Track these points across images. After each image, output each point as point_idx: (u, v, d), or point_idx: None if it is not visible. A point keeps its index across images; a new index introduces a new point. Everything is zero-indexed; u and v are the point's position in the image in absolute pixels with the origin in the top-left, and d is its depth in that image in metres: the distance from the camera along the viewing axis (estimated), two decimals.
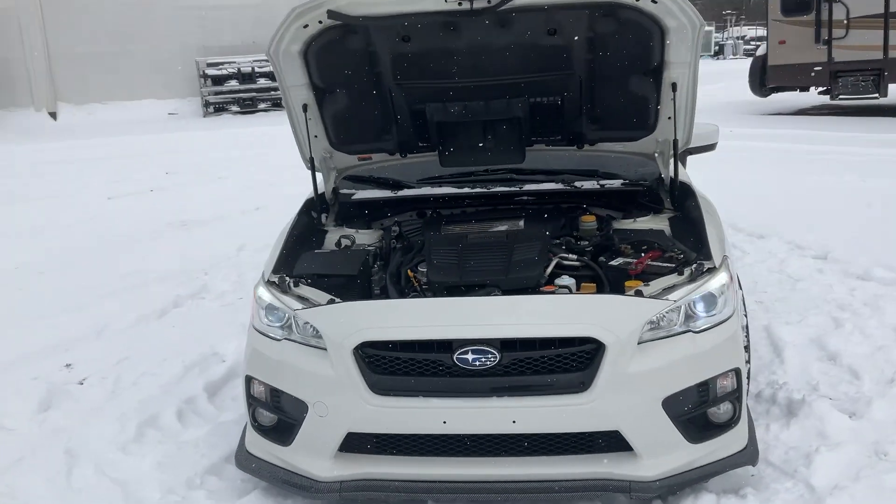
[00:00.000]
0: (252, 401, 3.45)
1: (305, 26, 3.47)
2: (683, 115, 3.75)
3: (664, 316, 3.16)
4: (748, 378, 3.74)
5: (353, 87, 3.77)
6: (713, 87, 22.49)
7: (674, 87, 3.60)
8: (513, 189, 4.07)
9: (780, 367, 4.41)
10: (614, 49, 3.52)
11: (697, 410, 3.20)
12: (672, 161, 4.23)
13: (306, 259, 3.73)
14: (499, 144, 3.93)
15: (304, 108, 3.82)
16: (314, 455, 3.26)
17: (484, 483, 3.12)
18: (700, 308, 3.24)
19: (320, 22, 3.44)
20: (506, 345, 3.06)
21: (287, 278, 3.52)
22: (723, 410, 3.29)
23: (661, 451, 3.13)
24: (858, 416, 3.86)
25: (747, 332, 3.75)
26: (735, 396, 3.27)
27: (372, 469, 3.21)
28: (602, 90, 3.72)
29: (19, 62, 22.09)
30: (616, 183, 4.00)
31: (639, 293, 3.21)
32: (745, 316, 3.81)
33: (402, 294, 3.54)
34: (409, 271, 3.61)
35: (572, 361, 3.08)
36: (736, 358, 3.24)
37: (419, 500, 3.24)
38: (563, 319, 3.09)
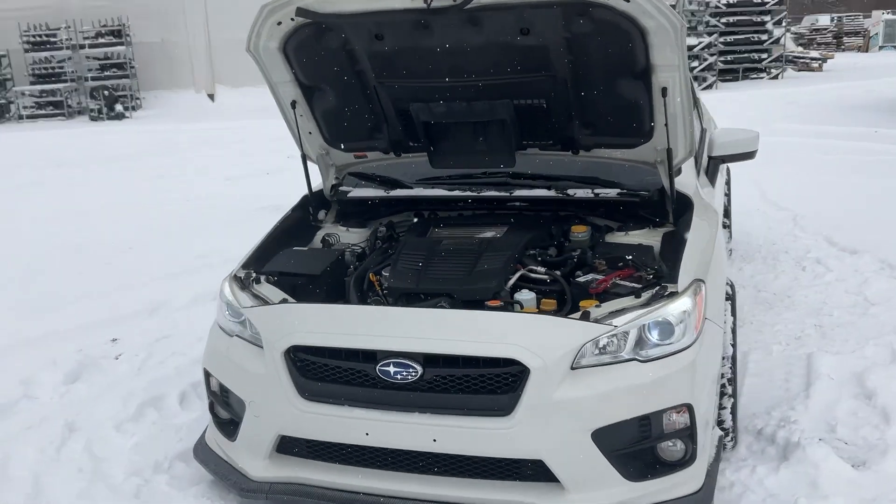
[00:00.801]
0: (210, 394, 3.52)
1: (279, 23, 3.46)
2: (680, 122, 3.45)
3: (611, 341, 2.93)
4: (733, 414, 3.43)
5: (339, 84, 3.73)
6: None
7: (664, 91, 3.32)
8: (503, 194, 3.90)
9: (802, 403, 4.00)
10: (595, 50, 3.29)
11: (638, 446, 2.96)
12: (694, 170, 3.94)
13: (281, 256, 3.75)
14: (488, 147, 3.78)
15: (293, 104, 3.82)
16: (252, 453, 3.27)
17: (405, 500, 3.02)
18: (653, 335, 2.99)
19: (292, 19, 3.42)
20: (429, 360, 2.95)
21: (253, 274, 3.54)
22: (673, 448, 3.02)
23: (592, 487, 2.92)
24: (866, 466, 3.45)
25: (733, 364, 3.42)
26: (688, 434, 2.99)
27: (302, 473, 3.19)
28: (589, 93, 3.48)
29: (183, 46, 23.52)
30: (612, 192, 3.75)
31: (585, 315, 2.99)
32: (734, 345, 3.47)
33: (363, 299, 3.48)
34: (371, 275, 3.55)
35: (495, 383, 2.92)
36: (689, 392, 2.96)
37: None
38: (488, 338, 2.93)
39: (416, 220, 4.10)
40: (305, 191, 4.16)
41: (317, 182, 4.22)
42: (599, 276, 3.33)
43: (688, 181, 3.84)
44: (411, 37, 3.37)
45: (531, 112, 3.61)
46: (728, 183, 6.43)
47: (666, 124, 3.46)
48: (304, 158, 3.99)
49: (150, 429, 4.12)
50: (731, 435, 3.49)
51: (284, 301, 3.34)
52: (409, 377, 2.94)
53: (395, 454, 3.05)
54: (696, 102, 4.41)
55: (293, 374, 3.11)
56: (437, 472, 3.03)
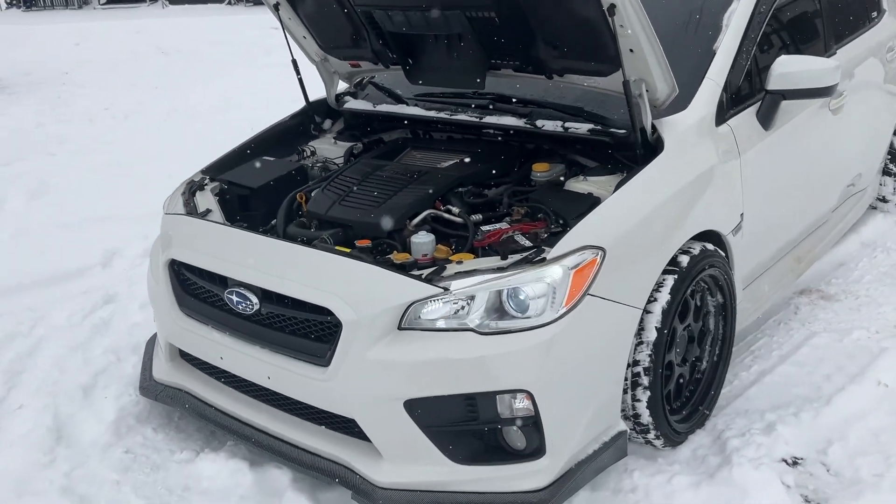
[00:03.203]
0: None
1: None
2: (647, 48, 2.81)
3: (457, 305, 2.56)
4: (653, 409, 2.88)
5: None
6: None
7: (610, 10, 2.70)
8: (473, 120, 3.47)
9: (813, 410, 3.24)
10: None
11: (464, 426, 2.59)
12: (709, 110, 3.24)
13: (248, 164, 3.69)
14: (460, 65, 3.37)
15: (276, 6, 3.66)
16: (159, 355, 3.37)
17: (256, 430, 2.95)
18: (511, 305, 2.55)
19: None
20: (266, 294, 2.78)
21: (206, 180, 3.55)
22: (515, 436, 2.61)
23: (409, 460, 2.63)
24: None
25: (655, 351, 2.81)
26: (531, 423, 2.56)
27: (187, 383, 3.22)
28: (539, 7, 2.95)
29: None
30: (582, 128, 3.17)
31: (437, 270, 2.62)
32: (667, 331, 2.85)
33: (289, 219, 3.34)
34: (300, 196, 3.38)
35: (317, 330, 2.70)
36: (533, 376, 2.51)
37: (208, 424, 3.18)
38: (311, 282, 2.68)
39: (385, 140, 3.82)
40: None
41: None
42: (496, 227, 2.89)
43: (687, 121, 3.14)
44: None
45: (489, 27, 3.14)
46: None
47: (632, 50, 2.83)
48: (295, 64, 3.84)
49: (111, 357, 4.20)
50: (655, 432, 2.93)
51: (205, 212, 3.31)
52: (248, 309, 2.81)
53: (248, 382, 2.96)
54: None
55: (174, 286, 3.12)
56: (279, 407, 2.91)
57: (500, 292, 2.56)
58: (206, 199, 3.43)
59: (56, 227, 5.76)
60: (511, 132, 3.41)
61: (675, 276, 2.87)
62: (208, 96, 10.34)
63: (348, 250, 2.83)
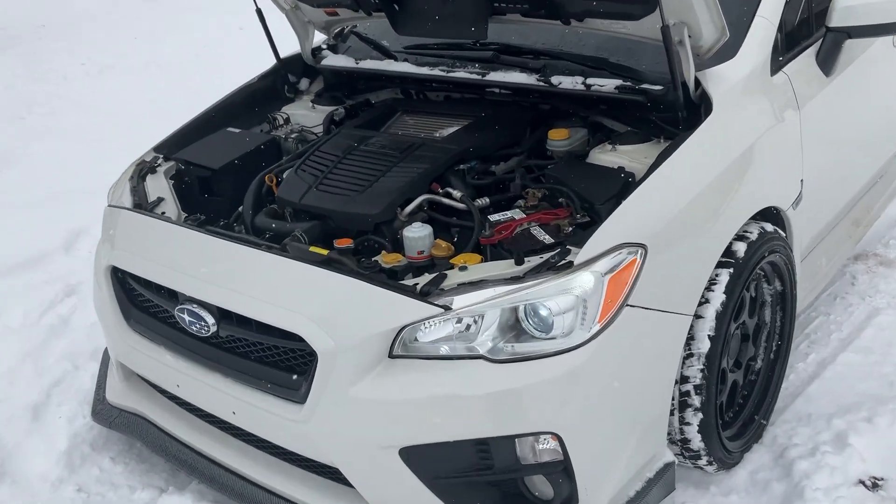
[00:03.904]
0: None
1: None
2: None
3: (460, 326, 2.02)
4: (705, 433, 2.36)
5: None
6: None
7: None
8: (474, 77, 2.87)
9: (892, 413, 2.72)
10: None
11: (477, 476, 2.08)
12: (762, 56, 2.65)
13: (211, 138, 3.12)
14: (454, 9, 2.76)
15: None
16: (113, 374, 2.85)
17: (221, 467, 2.45)
18: (531, 323, 2.02)
19: None
20: (224, 313, 2.25)
21: (159, 161, 2.99)
22: (537, 483, 2.10)
23: None
24: None
25: (707, 364, 2.27)
26: (561, 469, 2.04)
27: (145, 408, 2.70)
28: None
29: None
30: (608, 85, 2.58)
31: (436, 280, 2.07)
32: (724, 336, 2.31)
33: (258, 206, 2.78)
34: (268, 178, 2.82)
35: (288, 359, 2.17)
36: (560, 415, 1.99)
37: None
38: (277, 299, 2.14)
39: (374, 103, 3.24)
40: None
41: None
42: (511, 217, 2.33)
43: (737, 72, 2.55)
44: None
45: None
46: None
47: None
48: (260, 13, 3.22)
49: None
50: (707, 458, 2.42)
51: (156, 202, 2.75)
52: (203, 331, 2.28)
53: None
54: None
55: (119, 297, 2.59)
56: (252, 443, 2.40)
57: (515, 308, 2.02)
58: (158, 185, 2.87)
59: (19, 206, 5.20)
60: (521, 91, 2.82)
61: (731, 270, 2.32)
62: (190, 44, 9.64)
63: (325, 252, 2.28)
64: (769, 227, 2.51)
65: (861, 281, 3.63)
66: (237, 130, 3.16)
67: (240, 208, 2.81)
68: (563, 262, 2.02)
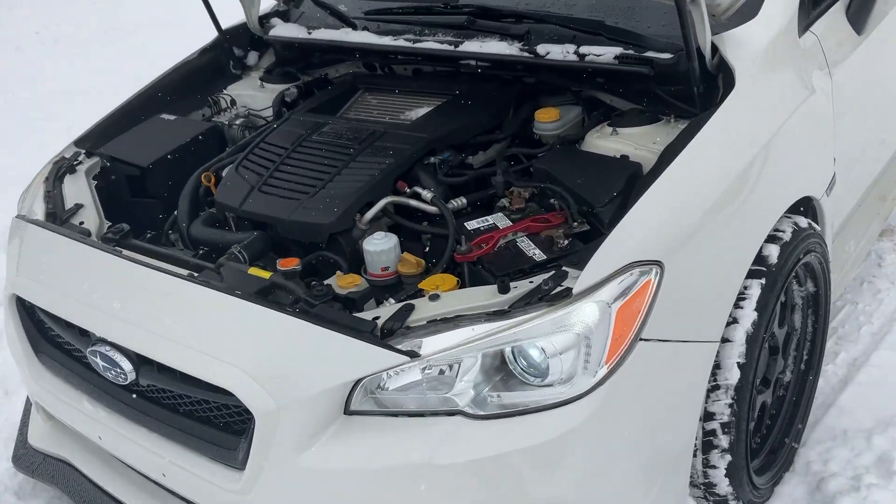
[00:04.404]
0: None
1: None
2: None
3: (427, 373, 1.61)
4: (733, 477, 1.97)
5: None
6: None
7: None
8: (445, 49, 2.42)
9: None
10: None
11: None
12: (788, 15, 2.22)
13: (136, 130, 2.67)
14: None
15: None
16: (35, 413, 2.43)
17: None
18: (519, 364, 1.61)
19: None
20: (144, 360, 1.83)
21: (80, 158, 2.55)
22: None
23: None
24: None
25: (737, 398, 1.87)
26: None
27: (70, 453, 2.28)
28: None
29: None
30: (606, 54, 2.13)
31: (400, 314, 1.65)
32: (733, 404, 1.89)
33: (194, 211, 2.35)
34: (204, 176, 2.38)
35: (223, 416, 1.76)
36: (566, 485, 1.59)
37: None
38: (206, 344, 1.72)
39: (332, 79, 2.80)
40: None
41: None
42: (499, 223, 1.91)
43: (761, 36, 2.11)
44: None
45: None
46: None
47: None
48: None
49: None
50: (735, 502, 2.03)
51: (73, 210, 2.31)
52: (120, 378, 1.86)
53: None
54: None
55: (28, 331, 2.16)
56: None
57: (501, 349, 1.61)
58: (77, 188, 2.42)
59: None
60: (501, 64, 2.37)
61: (763, 281, 1.91)
62: (153, 6, 9.06)
63: (268, 275, 1.86)
64: (803, 221, 2.09)
65: (889, 261, 3.23)
66: (172, 117, 2.70)
67: (175, 212, 2.38)
68: (559, 288, 1.61)
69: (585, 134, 2.18)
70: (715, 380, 1.86)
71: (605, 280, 1.60)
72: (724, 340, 1.85)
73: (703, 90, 1.98)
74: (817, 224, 2.21)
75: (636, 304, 1.63)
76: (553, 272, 1.65)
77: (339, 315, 1.68)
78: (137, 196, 2.49)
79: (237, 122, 2.71)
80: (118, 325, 1.83)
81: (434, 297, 1.69)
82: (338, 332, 1.61)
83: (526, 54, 2.25)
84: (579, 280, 1.59)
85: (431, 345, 1.59)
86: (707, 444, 1.90)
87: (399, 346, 1.58)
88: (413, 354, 1.57)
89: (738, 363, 1.86)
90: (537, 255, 1.77)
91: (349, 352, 1.60)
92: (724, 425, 1.88)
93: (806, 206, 2.20)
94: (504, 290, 1.63)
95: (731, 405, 1.87)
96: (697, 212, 1.77)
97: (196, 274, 1.91)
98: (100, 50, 7.75)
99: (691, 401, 1.80)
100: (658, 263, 1.66)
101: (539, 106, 2.30)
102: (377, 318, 1.67)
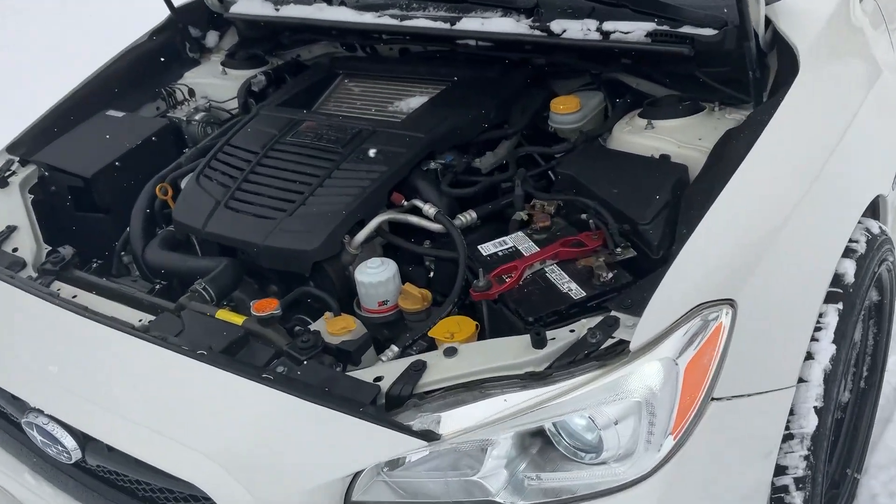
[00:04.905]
0: None
1: None
2: None
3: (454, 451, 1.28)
4: None
5: None
6: None
7: None
8: (438, 27, 2.05)
9: None
10: None
11: None
12: None
13: (77, 132, 2.28)
14: None
15: None
16: None
17: None
18: (563, 440, 1.28)
19: None
20: (91, 439, 1.48)
21: (14, 167, 2.16)
22: None
23: None
24: None
25: (814, 447, 1.56)
26: None
27: None
28: None
29: None
30: (636, 31, 1.78)
31: (409, 375, 1.31)
32: (809, 456, 1.58)
33: (149, 230, 1.98)
34: (158, 189, 2.01)
35: None
36: None
37: None
38: (165, 424, 1.37)
39: (305, 62, 2.42)
40: None
41: None
42: (520, 245, 1.56)
43: (818, 6, 1.77)
44: None
45: None
46: None
47: None
48: None
49: None
50: None
51: (4, 234, 1.94)
52: (64, 456, 1.51)
53: None
54: None
55: None
56: None
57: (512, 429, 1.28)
58: (10, 205, 2.05)
59: None
60: (506, 45, 2.01)
61: (840, 305, 1.58)
62: None
63: (240, 320, 1.51)
64: (874, 226, 1.77)
65: None
66: (120, 115, 2.32)
67: (127, 230, 2.01)
68: (611, 341, 1.27)
69: (613, 127, 1.83)
70: (788, 428, 1.54)
71: (669, 330, 1.27)
72: (799, 381, 1.53)
73: (758, 75, 1.64)
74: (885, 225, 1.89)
75: (706, 357, 1.30)
76: (600, 317, 1.31)
77: (333, 377, 1.34)
78: (83, 211, 2.12)
79: (197, 117, 2.33)
80: (56, 395, 1.47)
81: (451, 352, 1.34)
82: (333, 409, 1.26)
83: (538, 32, 1.88)
84: (637, 331, 1.25)
85: (453, 422, 1.25)
86: (777, 500, 1.59)
87: (412, 425, 1.24)
88: (430, 436, 1.23)
89: (814, 407, 1.54)
90: (574, 290, 1.43)
91: (349, 436, 1.25)
92: (797, 480, 1.57)
93: (873, 207, 1.88)
94: (540, 343, 1.29)
95: (806, 457, 1.55)
96: (770, 230, 1.43)
97: (152, 319, 1.56)
98: (58, 20, 7.22)
99: (765, 460, 1.49)
100: (730, 302, 1.33)
101: (552, 94, 1.95)
102: (379, 379, 1.33)
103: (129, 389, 1.42)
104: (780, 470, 1.57)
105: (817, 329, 1.56)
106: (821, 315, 1.57)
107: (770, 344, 1.43)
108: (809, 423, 1.55)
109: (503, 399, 1.24)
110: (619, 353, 1.25)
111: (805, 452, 1.55)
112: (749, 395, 1.38)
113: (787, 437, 1.55)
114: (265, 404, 1.31)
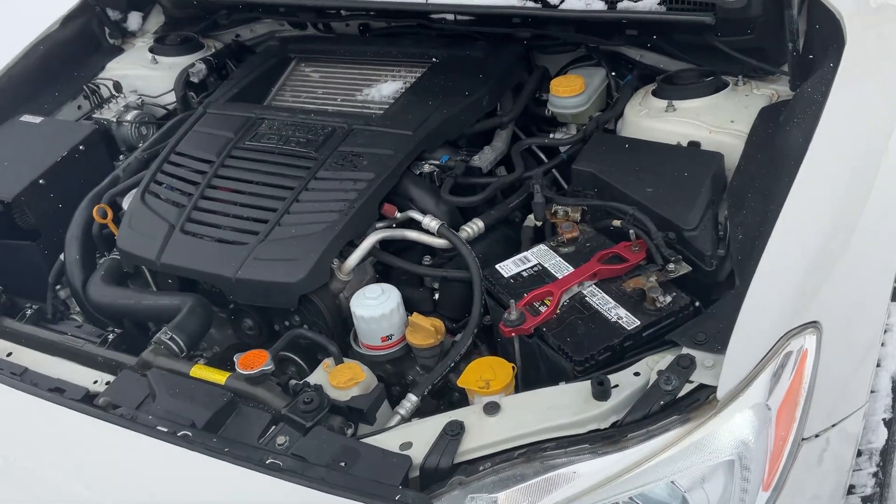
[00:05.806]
0: None
1: None
2: None
3: None
4: None
5: None
6: None
7: None
8: (413, 1, 1.78)
9: None
10: None
11: None
12: None
13: None
14: None
15: None
16: None
17: None
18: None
19: None
20: None
21: None
22: None
23: None
24: None
25: (875, 496, 1.42)
26: None
27: None
28: None
29: None
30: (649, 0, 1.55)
31: (444, 449, 1.08)
32: (878, 472, 1.42)
33: (87, 259, 1.68)
34: (95, 211, 1.70)
35: None
36: None
37: None
38: None
39: (247, 44, 2.13)
40: None
41: None
42: (546, 263, 1.33)
43: None
44: None
45: None
46: None
47: None
48: None
49: None
50: None
51: None
52: None
53: None
54: None
55: None
56: None
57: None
58: None
59: None
60: (492, 19, 1.76)
61: None
62: None
63: (222, 378, 1.25)
64: None
65: None
66: (37, 119, 1.98)
67: (61, 258, 1.72)
68: (690, 386, 1.06)
69: (624, 109, 1.61)
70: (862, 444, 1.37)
71: (758, 369, 1.07)
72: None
73: (797, 50, 1.43)
74: None
75: (794, 393, 1.11)
76: (670, 356, 1.10)
77: (349, 448, 1.10)
78: (4, 238, 1.81)
79: (128, 116, 2.02)
80: None
81: (492, 409, 1.12)
82: (358, 500, 1.03)
83: (531, 4, 1.64)
84: (723, 374, 1.05)
85: (512, 503, 1.02)
86: None
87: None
88: None
89: (883, 419, 1.38)
90: (625, 319, 1.21)
91: None
92: (865, 499, 1.41)
93: None
94: (604, 395, 1.07)
95: (875, 474, 1.39)
96: (843, 235, 1.24)
97: (109, 382, 1.29)
98: None
99: (841, 488, 1.31)
100: (815, 325, 1.13)
101: (545, 71, 1.71)
102: (408, 446, 1.10)
103: (85, 489, 1.14)
104: (849, 490, 1.40)
105: (885, 331, 1.39)
106: (890, 319, 1.40)
107: (849, 362, 1.25)
108: (878, 437, 1.39)
109: (572, 471, 1.03)
110: (705, 402, 1.04)
111: (874, 469, 1.40)
112: (835, 425, 1.19)
113: (856, 455, 1.38)
114: (273, 500, 1.06)
